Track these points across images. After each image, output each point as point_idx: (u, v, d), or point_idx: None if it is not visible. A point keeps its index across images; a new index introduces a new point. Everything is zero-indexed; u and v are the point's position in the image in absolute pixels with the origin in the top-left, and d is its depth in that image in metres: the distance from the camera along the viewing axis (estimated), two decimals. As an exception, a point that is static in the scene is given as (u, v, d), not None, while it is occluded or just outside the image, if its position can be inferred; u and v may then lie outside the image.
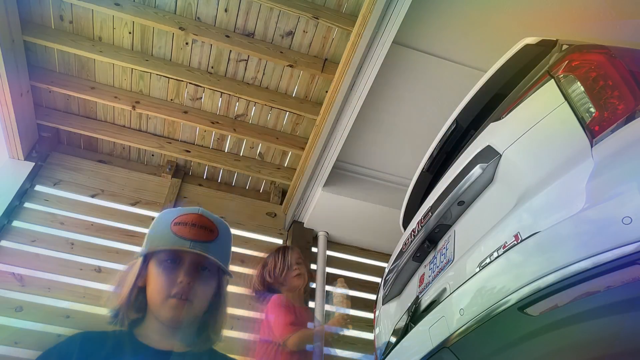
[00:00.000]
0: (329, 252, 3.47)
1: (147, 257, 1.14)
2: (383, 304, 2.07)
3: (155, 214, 3.24)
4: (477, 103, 1.81)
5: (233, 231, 1.25)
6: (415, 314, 1.63)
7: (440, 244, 1.68)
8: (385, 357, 1.82)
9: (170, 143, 3.45)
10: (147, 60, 2.97)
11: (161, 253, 1.11)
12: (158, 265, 1.11)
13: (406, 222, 2.17)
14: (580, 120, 1.13)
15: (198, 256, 1.11)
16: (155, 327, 1.11)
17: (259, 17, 2.82)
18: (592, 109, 1.13)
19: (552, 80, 1.29)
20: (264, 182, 3.78)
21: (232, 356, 1.22)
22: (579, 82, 1.20)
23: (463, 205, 1.55)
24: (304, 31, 2.87)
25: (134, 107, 3.14)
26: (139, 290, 1.12)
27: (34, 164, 3.20)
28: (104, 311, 1.14)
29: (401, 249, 1.93)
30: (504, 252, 1.16)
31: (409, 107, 3.02)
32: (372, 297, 3.04)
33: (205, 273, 1.13)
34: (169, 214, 1.17)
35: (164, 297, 1.08)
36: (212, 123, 3.26)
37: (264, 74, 3.10)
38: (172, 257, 1.11)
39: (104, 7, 2.67)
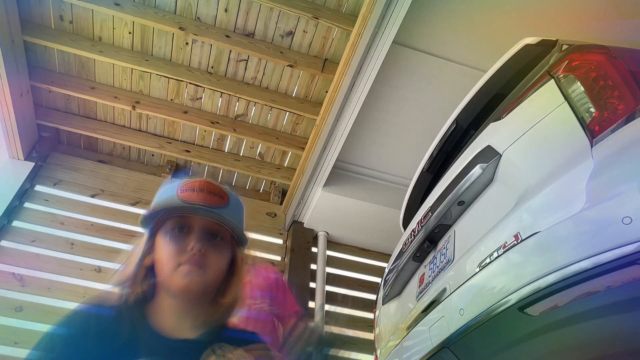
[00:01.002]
0: (329, 252, 3.47)
1: (153, 231, 1.05)
2: (383, 304, 2.07)
3: (155, 214, 3.26)
4: (477, 103, 1.81)
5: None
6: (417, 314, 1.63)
7: (440, 244, 1.68)
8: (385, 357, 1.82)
9: (170, 143, 3.45)
10: (147, 60, 2.97)
11: (168, 221, 1.02)
12: (165, 236, 1.02)
13: (406, 222, 2.17)
14: (580, 120, 1.13)
15: (209, 222, 1.02)
16: (166, 307, 1.02)
17: (259, 17, 2.82)
18: (592, 109, 1.13)
19: (552, 80, 1.29)
20: (264, 182, 3.78)
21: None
22: (579, 82, 1.20)
23: (463, 205, 1.55)
24: (304, 31, 2.87)
25: (134, 107, 3.14)
26: (147, 270, 1.03)
27: (34, 164, 3.20)
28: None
29: (401, 249, 1.93)
30: (504, 252, 1.16)
31: (409, 107, 3.02)
32: (372, 297, 3.04)
33: (219, 241, 1.04)
34: (172, 183, 1.07)
35: (174, 266, 0.99)
36: (212, 123, 3.26)
37: (264, 74, 3.10)
38: (181, 225, 1.02)
39: (104, 7, 2.67)
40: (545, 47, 1.51)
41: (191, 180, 1.05)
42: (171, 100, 3.23)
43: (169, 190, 1.06)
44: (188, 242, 1.00)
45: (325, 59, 2.97)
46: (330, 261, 3.45)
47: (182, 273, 0.98)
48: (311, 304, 3.17)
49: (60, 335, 0.97)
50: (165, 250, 1.01)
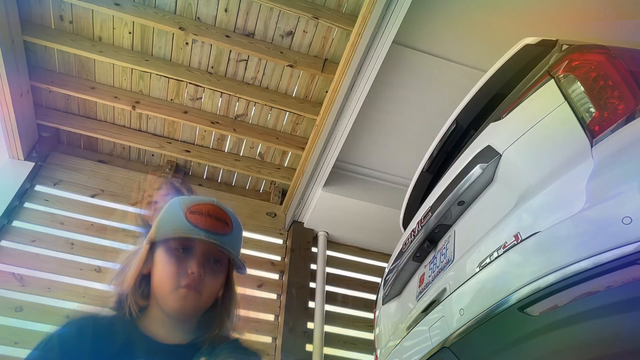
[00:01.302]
0: (329, 252, 3.47)
1: (154, 244, 1.09)
2: (383, 304, 2.07)
3: (155, 214, 3.26)
4: (477, 103, 1.81)
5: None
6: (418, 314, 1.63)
7: (440, 244, 1.68)
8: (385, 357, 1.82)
9: (170, 143, 3.44)
10: (147, 60, 2.97)
11: (173, 241, 1.06)
12: (168, 253, 1.06)
13: (406, 222, 2.17)
14: (580, 120, 1.13)
15: (211, 247, 1.06)
16: (159, 318, 1.07)
17: (259, 17, 2.82)
18: (592, 109, 1.13)
19: (552, 80, 1.29)
20: (264, 182, 3.78)
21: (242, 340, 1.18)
22: (579, 82, 1.20)
23: (463, 205, 1.55)
24: (304, 31, 2.87)
25: (134, 107, 3.14)
26: (143, 277, 1.08)
27: (34, 164, 3.20)
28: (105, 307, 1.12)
29: (401, 249, 1.93)
30: (504, 252, 1.16)
31: (409, 107, 3.02)
32: (372, 297, 3.04)
33: (217, 266, 1.09)
34: (182, 201, 1.11)
35: (173, 287, 1.03)
36: (212, 123, 3.26)
37: (264, 74, 3.10)
38: (185, 246, 1.06)
39: (104, 7, 2.67)
40: (545, 47, 1.51)
41: (200, 202, 1.10)
42: (171, 100, 3.23)
43: (176, 208, 1.09)
44: (189, 264, 1.05)
45: (325, 59, 2.97)
46: (330, 261, 3.45)
47: (179, 295, 1.03)
48: (311, 304, 3.17)
49: (60, 337, 1.01)
50: (165, 269, 1.05)
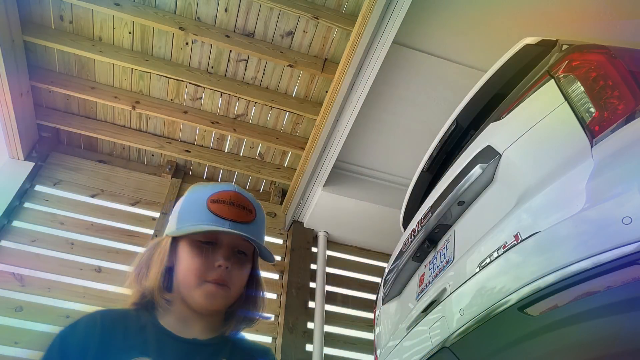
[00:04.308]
0: (329, 252, 3.47)
1: (176, 236, 1.04)
2: (383, 304, 2.07)
3: (155, 214, 3.27)
4: (477, 103, 1.81)
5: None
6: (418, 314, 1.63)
7: (440, 244, 1.68)
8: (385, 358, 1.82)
9: (170, 143, 3.45)
10: (147, 60, 2.97)
11: (197, 233, 1.00)
12: (192, 246, 1.01)
13: (406, 222, 2.17)
14: (580, 120, 1.13)
15: (237, 238, 1.02)
16: (181, 313, 1.02)
17: (259, 17, 2.82)
18: (592, 109, 1.12)
19: (552, 80, 1.29)
20: (264, 182, 3.78)
21: (257, 342, 1.15)
22: (579, 82, 1.20)
23: (463, 205, 1.55)
24: (304, 31, 2.87)
25: (134, 107, 3.14)
26: (166, 271, 1.02)
27: (34, 164, 3.20)
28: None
29: (401, 249, 1.93)
30: (504, 252, 1.16)
31: (409, 107, 3.02)
32: (372, 297, 3.04)
33: (243, 257, 1.04)
34: (202, 190, 1.06)
35: (199, 282, 0.98)
36: (212, 123, 3.26)
37: (264, 74, 3.10)
38: (210, 239, 1.01)
39: (104, 7, 2.67)
40: (545, 47, 1.51)
41: (222, 190, 1.04)
42: (171, 100, 3.23)
43: (197, 198, 1.04)
44: (215, 257, 1.00)
45: (325, 59, 2.97)
46: (330, 261, 3.45)
47: (206, 291, 0.98)
48: (311, 304, 3.17)
49: (70, 334, 0.97)
50: (191, 263, 1.00)
